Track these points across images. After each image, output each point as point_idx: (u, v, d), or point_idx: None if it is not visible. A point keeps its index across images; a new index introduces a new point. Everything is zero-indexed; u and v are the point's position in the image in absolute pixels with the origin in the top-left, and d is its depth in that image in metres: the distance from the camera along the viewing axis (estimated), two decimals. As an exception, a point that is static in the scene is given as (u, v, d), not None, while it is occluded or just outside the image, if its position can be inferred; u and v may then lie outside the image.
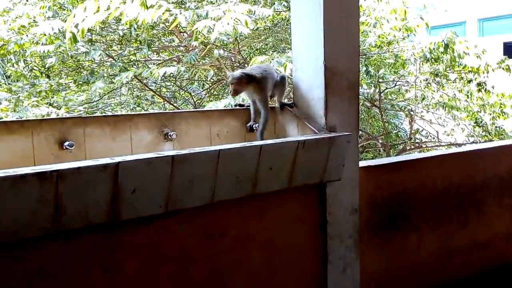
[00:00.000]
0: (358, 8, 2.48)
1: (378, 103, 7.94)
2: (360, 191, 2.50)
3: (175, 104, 7.95)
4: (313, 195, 2.37)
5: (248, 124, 2.59)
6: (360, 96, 2.40)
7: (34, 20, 5.80)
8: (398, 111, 8.81)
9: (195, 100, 8.08)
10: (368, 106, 8.06)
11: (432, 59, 7.11)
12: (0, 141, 1.90)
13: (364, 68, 7.03)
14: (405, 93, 8.36)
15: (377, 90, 7.86)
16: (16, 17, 5.71)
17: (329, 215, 2.39)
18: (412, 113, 8.37)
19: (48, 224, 1.54)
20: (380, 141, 8.57)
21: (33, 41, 5.92)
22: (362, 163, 2.62)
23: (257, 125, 2.53)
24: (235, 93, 2.47)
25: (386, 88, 8.02)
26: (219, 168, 1.88)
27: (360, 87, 2.49)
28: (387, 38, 6.96)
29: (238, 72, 2.48)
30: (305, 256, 2.40)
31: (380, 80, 7.67)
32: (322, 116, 2.36)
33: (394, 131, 8.86)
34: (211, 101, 7.56)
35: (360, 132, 7.40)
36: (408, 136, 8.86)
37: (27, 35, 5.85)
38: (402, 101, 8.37)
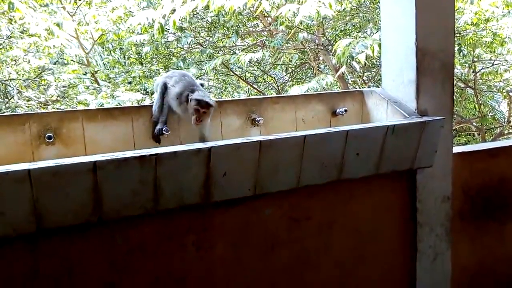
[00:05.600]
0: (454, -16, 2.33)
1: (472, 84, 7.42)
2: (453, 178, 2.39)
3: (258, 89, 8.07)
4: (403, 182, 2.30)
5: (160, 127, 2.13)
6: (453, 77, 2.30)
7: (129, 11, 6.17)
8: (495, 92, 8.16)
9: (278, 84, 8.13)
10: (461, 87, 7.56)
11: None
12: (105, 126, 2.07)
13: (457, 47, 6.56)
14: (503, 73, 7.70)
15: (472, 70, 7.34)
16: (113, 8, 6.11)
17: (419, 203, 2.31)
18: (511, 94, 7.71)
19: (148, 204, 1.66)
20: (474, 124, 8.03)
21: (129, 31, 6.30)
22: (456, 149, 2.49)
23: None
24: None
25: (482, 68, 7.46)
26: (305, 153, 1.89)
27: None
28: (484, 15, 6.42)
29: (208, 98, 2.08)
30: (393, 244, 2.35)
31: (475, 60, 7.13)
32: (413, 100, 2.27)
33: (490, 114, 8.24)
34: (294, 84, 7.56)
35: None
36: (506, 119, 8.20)
37: (123, 25, 6.24)
38: (500, 81, 7.73)
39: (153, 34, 5.88)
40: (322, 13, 4.79)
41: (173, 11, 4.75)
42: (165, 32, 6.02)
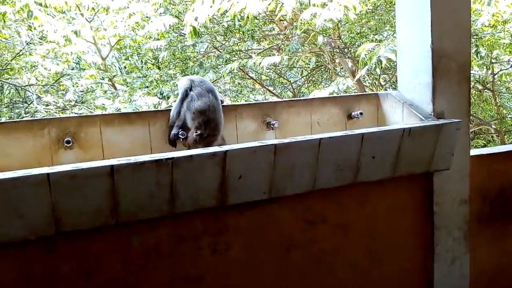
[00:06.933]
0: (469, -15, 2.31)
1: (491, 85, 7.30)
2: (470, 181, 2.36)
3: (274, 91, 8.08)
4: (419, 185, 2.28)
5: (175, 132, 2.18)
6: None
7: (147, 17, 6.26)
8: (515, 94, 8.02)
9: (294, 87, 8.12)
10: (479, 89, 7.45)
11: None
12: (122, 130, 2.10)
13: (475, 49, 6.47)
14: (523, 75, 7.56)
15: (490, 72, 7.22)
16: (130, 15, 6.20)
17: (436, 206, 2.29)
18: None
19: (164, 207, 1.68)
20: (493, 126, 7.90)
21: (146, 36, 6.38)
22: (473, 152, 2.46)
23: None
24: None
25: (501, 70, 7.34)
26: (320, 156, 1.89)
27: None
28: (502, 17, 6.32)
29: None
30: (409, 247, 2.33)
31: (493, 61, 7.02)
32: (430, 102, 2.25)
33: (509, 116, 8.09)
34: (310, 87, 7.55)
35: (471, 117, 6.87)
36: (526, 121, 8.04)
37: (140, 31, 6.32)
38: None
39: (170, 39, 5.94)
40: (350, 17, 4.76)
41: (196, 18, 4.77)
42: (182, 37, 6.08)
